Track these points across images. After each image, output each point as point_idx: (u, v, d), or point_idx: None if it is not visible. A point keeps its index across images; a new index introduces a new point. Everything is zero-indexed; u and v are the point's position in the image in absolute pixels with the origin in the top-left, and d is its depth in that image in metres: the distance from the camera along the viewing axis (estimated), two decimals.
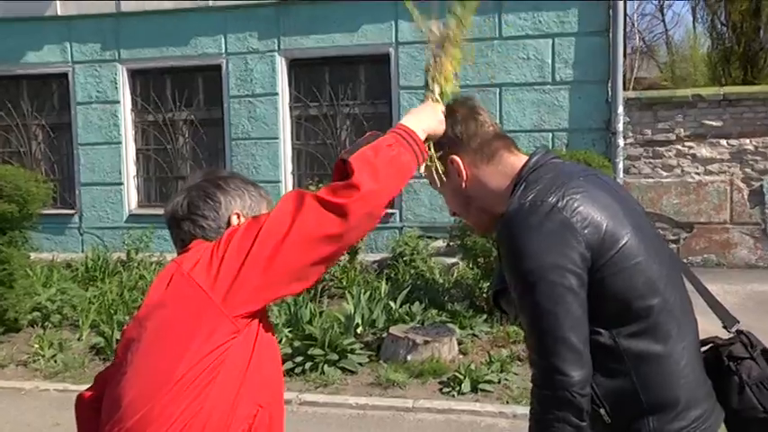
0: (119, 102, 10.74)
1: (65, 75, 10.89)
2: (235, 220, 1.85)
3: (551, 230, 1.77)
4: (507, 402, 5.44)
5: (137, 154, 10.91)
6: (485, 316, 7.19)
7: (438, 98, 2.03)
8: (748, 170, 9.57)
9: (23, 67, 10.99)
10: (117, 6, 10.54)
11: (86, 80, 10.80)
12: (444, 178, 2.00)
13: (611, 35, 9.31)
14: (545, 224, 1.77)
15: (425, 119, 1.92)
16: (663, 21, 31.13)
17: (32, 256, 8.72)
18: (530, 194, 1.83)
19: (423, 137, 1.85)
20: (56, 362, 6.79)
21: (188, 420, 1.57)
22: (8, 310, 7.34)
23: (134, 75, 10.79)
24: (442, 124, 1.98)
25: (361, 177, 1.60)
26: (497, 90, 9.63)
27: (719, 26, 27.24)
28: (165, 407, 1.56)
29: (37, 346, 7.00)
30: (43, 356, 6.86)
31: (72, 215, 10.95)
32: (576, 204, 1.80)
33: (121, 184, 10.75)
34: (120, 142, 10.76)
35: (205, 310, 1.59)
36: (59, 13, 10.69)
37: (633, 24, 27.73)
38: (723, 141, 9.62)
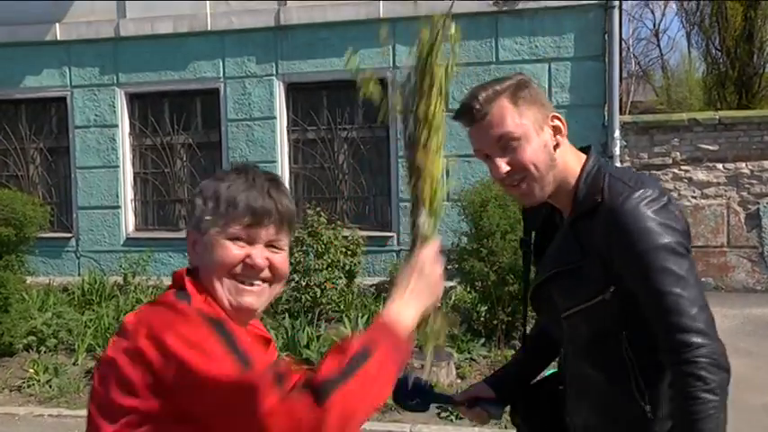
0: (117, 125, 10.75)
1: (63, 99, 10.91)
2: None
3: (677, 217, 1.83)
4: (506, 427, 5.41)
5: (134, 177, 10.90)
6: (483, 340, 7.16)
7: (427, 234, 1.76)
8: (744, 194, 9.59)
9: (22, 92, 11.01)
10: (116, 31, 10.58)
11: (85, 104, 10.82)
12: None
13: (606, 60, 9.36)
14: (671, 210, 1.83)
15: (420, 300, 1.62)
16: (658, 45, 31.38)
17: (29, 279, 8.70)
18: (643, 185, 1.85)
19: (414, 323, 1.59)
20: (51, 387, 6.72)
21: None
22: (3, 334, 7.28)
23: (132, 98, 10.81)
24: (438, 291, 1.70)
25: (332, 407, 1.36)
26: None
27: (714, 51, 27.42)
28: None
29: (32, 370, 6.93)
30: (38, 381, 6.78)
31: (69, 239, 10.92)
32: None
33: (119, 207, 10.73)
34: (117, 166, 10.75)
35: None
36: (59, 38, 10.72)
37: (629, 49, 27.94)
38: (719, 165, 9.65)
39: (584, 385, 2.00)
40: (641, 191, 1.82)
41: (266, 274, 1.61)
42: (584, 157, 1.99)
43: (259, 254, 1.59)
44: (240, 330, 1.53)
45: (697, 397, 1.66)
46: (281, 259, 1.64)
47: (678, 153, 9.69)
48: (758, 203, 9.59)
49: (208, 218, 1.60)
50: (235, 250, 1.58)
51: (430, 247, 1.72)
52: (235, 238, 1.58)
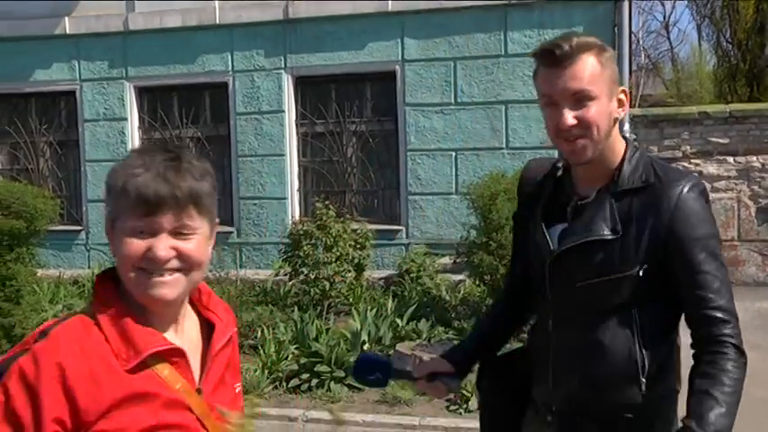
0: (126, 119, 10.77)
1: (72, 92, 10.93)
2: None
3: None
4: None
5: None
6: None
7: None
8: (755, 187, 9.54)
9: (32, 85, 11.03)
10: (125, 25, 10.59)
11: (94, 98, 10.84)
12: None
13: (616, 53, 9.29)
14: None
15: None
16: (668, 38, 31.21)
17: (39, 272, 8.71)
18: (695, 176, 1.98)
19: None
20: None
21: None
22: (15, 325, 7.30)
23: (141, 92, 10.82)
24: None
25: None
26: (503, 107, 9.63)
27: (725, 44, 27.25)
28: None
29: None
30: None
31: (79, 231, 10.96)
32: None
33: None
34: None
35: None
36: (68, 32, 10.74)
37: (638, 42, 27.80)
38: (730, 158, 9.60)
39: (580, 356, 2.00)
40: (698, 181, 1.94)
41: (175, 264, 1.50)
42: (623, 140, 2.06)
43: (162, 245, 1.47)
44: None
45: (735, 366, 1.82)
46: (193, 246, 1.51)
47: (688, 146, 9.64)
48: None
49: (108, 209, 1.52)
50: (134, 244, 1.47)
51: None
52: (136, 231, 1.48)
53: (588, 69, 1.90)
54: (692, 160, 9.61)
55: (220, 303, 1.71)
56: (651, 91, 27.07)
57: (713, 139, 9.63)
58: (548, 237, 2.05)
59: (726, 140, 9.62)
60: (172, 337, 1.57)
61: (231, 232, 10.42)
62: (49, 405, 1.40)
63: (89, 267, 10.45)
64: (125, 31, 10.60)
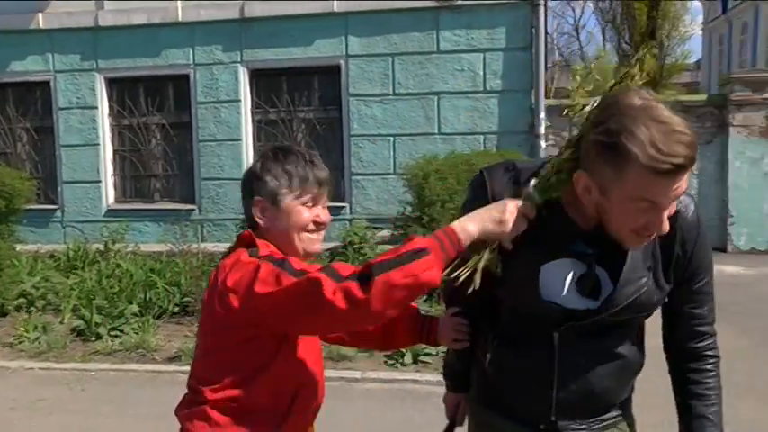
0: (97, 107, 10.46)
1: (47, 83, 10.55)
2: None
3: None
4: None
5: (113, 154, 10.64)
6: (424, 297, 7.18)
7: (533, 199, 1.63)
8: None
9: (9, 76, 10.62)
10: (95, 21, 10.26)
11: (67, 88, 10.49)
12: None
13: (533, 50, 9.39)
14: None
15: (484, 221, 1.59)
16: (578, 39, 31.65)
17: (18, 247, 8.47)
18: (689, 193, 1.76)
19: (471, 239, 1.58)
20: (40, 343, 6.54)
21: None
22: None
23: (110, 83, 10.51)
24: (503, 225, 1.58)
25: (373, 295, 1.48)
26: (436, 98, 9.63)
27: (624, 45, 27.81)
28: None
29: (22, 329, 6.74)
30: (28, 338, 6.61)
31: (55, 210, 10.64)
32: None
33: (100, 181, 10.48)
34: (98, 144, 10.48)
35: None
36: (42, 27, 10.36)
37: (553, 41, 28.11)
38: None
39: (594, 363, 1.74)
40: (693, 197, 1.73)
41: (325, 228, 1.88)
42: None
43: (324, 213, 1.85)
44: (296, 260, 1.72)
45: (719, 378, 1.81)
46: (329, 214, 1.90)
47: None
48: None
49: (284, 190, 1.80)
50: (306, 213, 1.82)
51: (514, 202, 1.61)
52: (306, 204, 1.81)
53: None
54: None
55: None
56: (564, 84, 27.43)
57: None
58: (566, 286, 1.70)
59: None
60: None
61: (193, 209, 10.25)
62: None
63: (65, 242, 10.14)
64: (95, 27, 10.27)
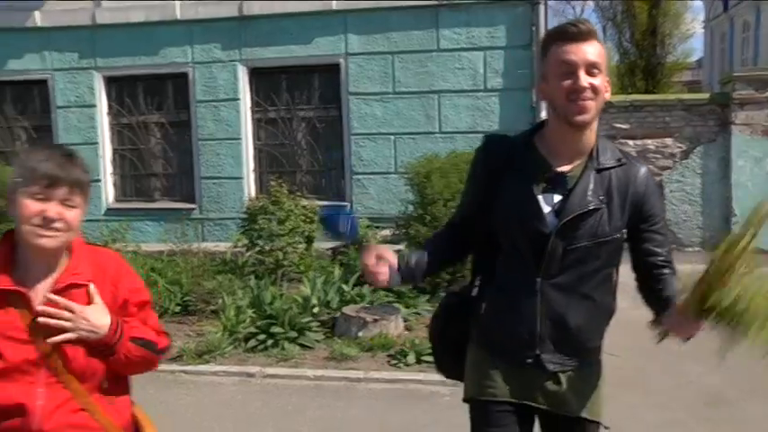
0: (95, 106, 10.44)
1: (45, 81, 10.54)
2: None
3: None
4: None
5: (113, 153, 10.63)
6: (427, 296, 7.16)
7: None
8: (651, 167, 9.62)
9: (7, 74, 10.60)
10: (92, 19, 10.24)
11: (65, 86, 10.47)
12: None
13: (534, 49, 9.37)
14: None
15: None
16: None
17: None
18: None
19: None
20: None
21: None
22: None
23: (109, 81, 10.49)
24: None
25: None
26: (436, 96, 9.61)
27: (625, 43, 27.77)
28: None
29: None
30: None
31: None
32: None
33: (99, 180, 10.45)
34: (97, 143, 10.47)
35: None
36: (39, 25, 10.34)
37: None
38: (630, 142, 9.79)
39: (571, 307, 2.12)
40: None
41: (60, 224, 1.84)
42: None
43: (54, 209, 1.83)
44: None
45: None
46: (74, 214, 1.87)
47: None
48: (661, 175, 9.79)
49: (18, 180, 1.83)
50: (35, 206, 1.82)
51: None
52: (35, 196, 1.82)
53: (598, 49, 2.02)
54: None
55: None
56: None
57: (617, 125, 9.81)
58: (542, 205, 2.10)
59: (627, 126, 9.83)
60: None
61: (194, 209, 10.23)
62: None
63: None
64: (93, 25, 10.25)
